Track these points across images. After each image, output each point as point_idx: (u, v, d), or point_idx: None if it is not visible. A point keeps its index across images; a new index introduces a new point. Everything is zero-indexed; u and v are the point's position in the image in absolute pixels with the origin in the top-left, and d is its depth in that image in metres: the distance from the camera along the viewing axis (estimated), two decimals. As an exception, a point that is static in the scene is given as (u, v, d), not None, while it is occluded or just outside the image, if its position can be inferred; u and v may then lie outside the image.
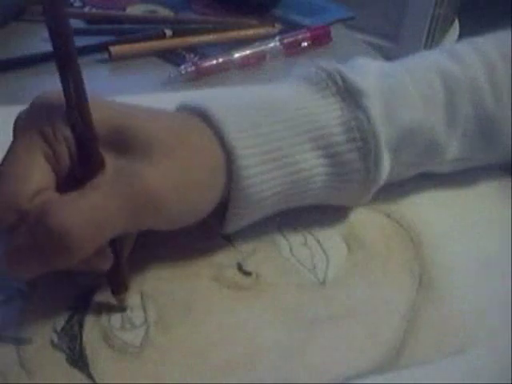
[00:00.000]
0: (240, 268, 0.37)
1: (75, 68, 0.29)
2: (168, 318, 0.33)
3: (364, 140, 0.38)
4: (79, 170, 0.31)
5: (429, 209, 0.43)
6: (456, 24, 1.01)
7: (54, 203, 0.30)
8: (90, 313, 0.33)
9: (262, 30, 0.68)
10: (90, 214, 0.29)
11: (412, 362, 0.33)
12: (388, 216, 0.42)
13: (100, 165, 0.31)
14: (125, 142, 0.32)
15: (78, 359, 0.31)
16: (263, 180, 0.35)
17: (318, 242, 0.39)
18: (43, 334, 0.32)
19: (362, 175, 0.38)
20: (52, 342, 0.31)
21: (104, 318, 0.33)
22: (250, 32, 0.67)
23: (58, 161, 0.32)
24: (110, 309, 0.34)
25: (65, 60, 0.29)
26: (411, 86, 0.41)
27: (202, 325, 0.33)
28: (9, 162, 0.31)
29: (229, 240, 0.39)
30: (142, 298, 0.34)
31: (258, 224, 0.38)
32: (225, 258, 0.37)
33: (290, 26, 0.70)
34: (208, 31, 0.66)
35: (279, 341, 0.33)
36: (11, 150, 0.31)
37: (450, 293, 0.37)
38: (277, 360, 0.32)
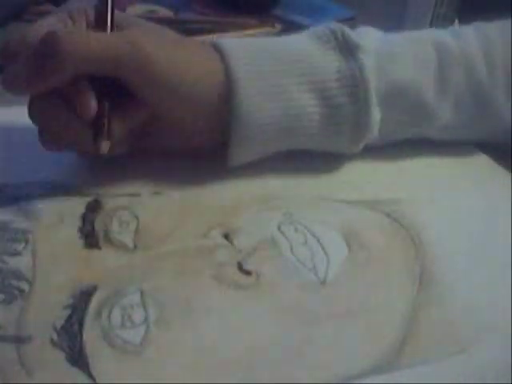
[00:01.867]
0: (240, 267, 0.37)
1: None
2: (168, 316, 0.33)
3: (355, 86, 0.42)
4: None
5: (429, 208, 0.43)
6: (456, 24, 1.01)
7: (58, 30, 0.36)
8: (89, 311, 0.33)
9: (262, 30, 0.68)
10: (80, 39, 0.36)
11: (412, 362, 0.33)
12: (388, 215, 0.42)
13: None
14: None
15: (78, 358, 0.31)
16: (261, 108, 0.40)
17: (319, 241, 0.39)
18: (43, 333, 0.32)
19: (352, 119, 0.43)
20: (52, 340, 0.31)
21: (104, 317, 0.33)
22: (250, 32, 0.67)
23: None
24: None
25: None
26: (405, 50, 0.45)
27: (202, 324, 0.33)
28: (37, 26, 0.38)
29: (229, 239, 0.38)
30: (142, 296, 0.34)
31: (258, 223, 0.38)
32: (225, 257, 0.37)
33: (290, 26, 0.70)
34: (208, 31, 0.66)
35: (279, 340, 0.33)
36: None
37: (451, 292, 0.37)
38: (277, 359, 0.32)
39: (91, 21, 0.40)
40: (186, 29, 0.66)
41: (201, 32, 0.65)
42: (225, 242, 0.38)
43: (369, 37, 0.44)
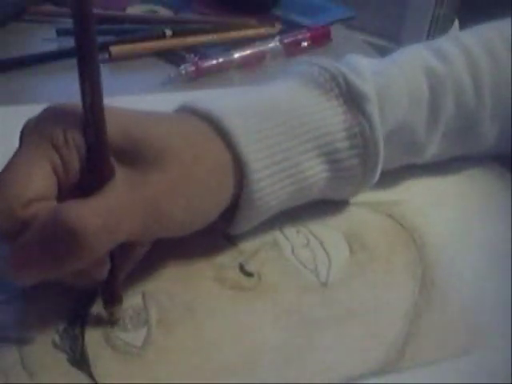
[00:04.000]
0: (242, 269, 0.37)
1: (95, 66, 0.29)
2: (170, 318, 0.33)
3: (365, 147, 0.39)
4: (88, 178, 0.31)
5: (431, 209, 0.43)
6: (456, 24, 1.01)
7: (67, 203, 0.29)
8: (91, 313, 0.33)
9: (262, 30, 0.68)
10: (104, 216, 0.29)
11: (414, 364, 0.33)
12: (390, 217, 0.42)
13: (110, 173, 0.30)
14: (137, 152, 0.32)
15: (80, 360, 0.31)
16: (273, 190, 0.36)
17: (320, 243, 0.39)
18: (45, 335, 0.32)
19: (359, 178, 0.40)
20: (54, 342, 0.31)
21: (106, 319, 0.33)
22: (250, 32, 0.67)
23: (66, 169, 0.31)
24: (100, 322, 0.33)
25: (86, 57, 0.29)
26: (400, 85, 0.42)
27: (203, 325, 0.33)
28: (9, 168, 0.30)
29: (231, 240, 0.38)
30: (143, 298, 0.34)
31: (260, 225, 0.38)
32: (227, 259, 0.37)
33: (290, 26, 0.70)
34: (208, 31, 0.66)
35: (281, 341, 0.33)
36: (14, 156, 0.31)
37: (453, 294, 0.37)
38: (278, 361, 0.32)
39: (80, 148, 0.31)
40: (186, 29, 0.66)
41: (201, 32, 0.65)
42: (226, 243, 0.38)
43: (365, 76, 0.40)
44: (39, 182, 0.30)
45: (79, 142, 0.30)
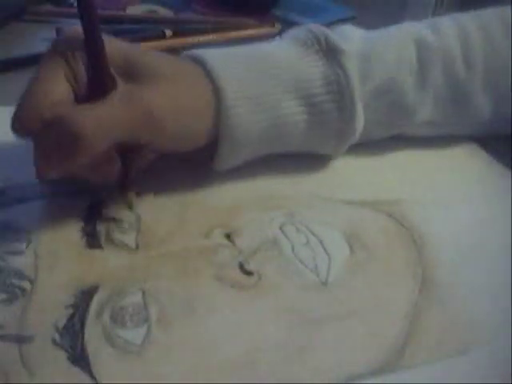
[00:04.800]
0: (242, 267, 0.37)
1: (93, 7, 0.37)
2: (170, 316, 0.33)
3: (341, 93, 0.42)
4: (94, 87, 0.37)
5: (431, 209, 0.43)
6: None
7: (70, 111, 0.35)
8: (91, 311, 0.33)
9: (262, 30, 0.68)
10: (99, 120, 0.35)
11: (414, 363, 0.33)
12: (390, 216, 0.42)
13: (112, 84, 0.37)
14: (134, 70, 0.38)
15: (80, 358, 0.31)
16: (250, 120, 0.40)
17: (320, 242, 0.39)
18: (45, 333, 0.32)
19: (337, 126, 0.43)
20: (53, 340, 0.31)
21: (106, 317, 0.33)
22: (250, 32, 0.67)
23: (77, 79, 0.37)
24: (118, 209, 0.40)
25: None
26: (386, 49, 0.45)
27: (203, 324, 0.33)
28: (34, 79, 0.36)
29: (231, 239, 0.38)
30: (143, 296, 0.34)
31: (259, 223, 0.38)
32: (226, 258, 0.37)
33: (290, 26, 0.70)
34: (208, 31, 0.66)
35: (280, 341, 0.33)
36: (37, 71, 0.37)
37: (452, 293, 0.37)
38: (278, 360, 0.32)
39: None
40: (186, 29, 0.66)
41: (201, 32, 0.65)
42: (226, 242, 0.38)
43: (351, 38, 0.45)
44: (59, 88, 0.37)
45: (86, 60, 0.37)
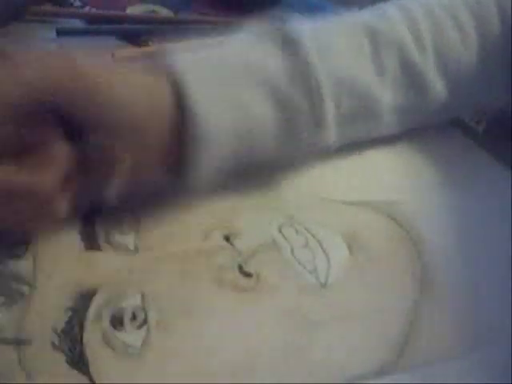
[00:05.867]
0: (241, 269, 0.37)
1: None
2: (169, 319, 0.33)
3: (305, 82, 0.41)
4: None
5: (430, 209, 0.43)
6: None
7: None
8: (90, 314, 0.33)
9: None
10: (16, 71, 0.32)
11: (414, 364, 0.33)
12: (389, 217, 0.42)
13: None
14: None
15: (79, 360, 0.31)
16: (216, 117, 0.38)
17: (319, 243, 0.39)
18: (43, 335, 0.32)
19: (308, 118, 0.42)
20: (52, 343, 0.31)
21: (104, 319, 0.33)
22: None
23: None
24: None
25: None
26: (339, 41, 0.45)
27: (202, 326, 0.33)
28: None
29: (230, 241, 0.38)
30: (142, 299, 0.34)
31: (258, 225, 0.38)
32: (225, 260, 0.37)
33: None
34: (208, 31, 0.65)
35: (280, 342, 0.33)
36: None
37: (452, 293, 0.37)
38: (277, 362, 0.32)
39: None
40: (186, 29, 0.66)
41: (201, 32, 0.65)
42: (225, 243, 0.38)
43: (303, 29, 0.44)
44: None
45: None
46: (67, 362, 0.31)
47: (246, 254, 0.38)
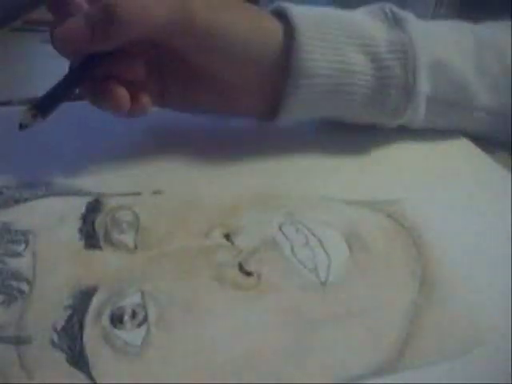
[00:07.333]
0: (241, 268, 0.37)
1: None
2: (169, 317, 0.33)
3: (405, 52, 0.45)
4: None
5: (430, 208, 0.43)
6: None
7: None
8: (90, 312, 0.33)
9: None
10: (138, 8, 0.37)
11: (414, 364, 0.32)
12: (389, 216, 0.42)
13: None
14: None
15: (78, 359, 0.31)
16: (320, 59, 0.43)
17: (320, 242, 0.39)
18: (43, 334, 0.31)
19: (400, 82, 0.45)
20: (52, 341, 0.31)
21: (104, 318, 0.33)
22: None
23: None
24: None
25: None
26: (446, 31, 0.48)
27: (202, 325, 0.33)
28: None
29: (230, 239, 0.38)
30: (142, 297, 0.34)
31: (259, 223, 0.38)
32: (226, 258, 0.37)
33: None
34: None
35: (280, 341, 0.33)
36: None
37: (452, 293, 0.37)
38: (277, 361, 0.32)
39: None
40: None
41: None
42: (225, 242, 0.38)
43: (411, 16, 0.47)
44: None
45: None
46: (67, 360, 0.30)
47: (247, 253, 0.38)
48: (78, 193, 0.40)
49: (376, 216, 0.42)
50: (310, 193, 0.43)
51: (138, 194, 0.41)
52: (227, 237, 0.38)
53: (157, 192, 0.42)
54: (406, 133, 0.49)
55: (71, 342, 0.31)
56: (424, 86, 0.46)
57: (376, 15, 0.46)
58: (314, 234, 0.39)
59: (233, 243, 0.38)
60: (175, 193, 0.42)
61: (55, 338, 0.31)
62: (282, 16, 0.44)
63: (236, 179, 0.43)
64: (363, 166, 0.47)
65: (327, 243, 0.39)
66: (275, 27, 0.43)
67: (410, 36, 0.45)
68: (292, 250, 0.38)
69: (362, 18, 0.46)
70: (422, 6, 0.79)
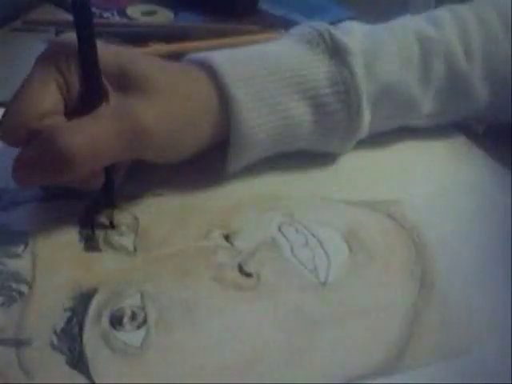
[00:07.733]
0: (241, 269, 0.37)
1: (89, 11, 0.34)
2: (168, 318, 0.33)
3: (347, 93, 0.43)
4: (86, 99, 0.36)
5: (430, 209, 0.43)
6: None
7: (62, 126, 0.35)
8: (90, 314, 0.33)
9: (265, 35, 0.68)
10: (88, 142, 0.34)
11: (413, 364, 0.32)
12: (389, 216, 0.42)
13: (104, 96, 0.36)
14: (127, 79, 0.37)
15: (78, 361, 0.31)
16: (259, 123, 0.40)
17: (320, 242, 0.39)
18: (43, 336, 0.32)
19: (345, 124, 0.44)
20: (52, 343, 0.31)
21: (104, 319, 0.33)
22: (254, 38, 0.67)
23: (69, 89, 0.36)
24: (100, 226, 0.39)
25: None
26: (390, 46, 0.45)
27: (202, 325, 0.33)
28: (24, 86, 0.35)
29: (229, 240, 0.38)
30: (142, 298, 0.34)
31: (258, 224, 0.38)
32: (225, 259, 0.37)
33: (291, 27, 0.70)
34: (208, 37, 0.66)
35: (280, 342, 0.33)
36: (28, 77, 0.36)
37: (452, 294, 0.37)
38: (277, 361, 0.32)
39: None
40: (186, 32, 0.66)
41: (200, 37, 0.65)
42: (225, 243, 0.38)
43: (354, 35, 0.45)
44: (49, 98, 0.35)
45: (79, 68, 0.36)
46: (67, 362, 0.31)
47: (246, 253, 0.38)
48: (77, 195, 0.40)
49: (376, 216, 0.42)
50: (309, 193, 0.43)
51: (138, 196, 0.41)
52: (227, 238, 0.38)
53: (156, 194, 0.42)
54: (406, 133, 0.49)
55: (71, 344, 0.31)
56: (367, 119, 0.45)
57: (315, 45, 0.43)
58: (313, 235, 0.39)
59: (232, 244, 0.38)
60: (174, 195, 0.42)
61: (55, 339, 0.31)
62: (210, 72, 0.40)
63: (236, 180, 0.43)
64: (363, 165, 0.47)
65: (327, 243, 0.39)
66: (213, 95, 0.40)
67: (352, 70, 0.43)
68: (292, 250, 0.38)
69: (298, 53, 0.43)
70: (422, 6, 0.79)
